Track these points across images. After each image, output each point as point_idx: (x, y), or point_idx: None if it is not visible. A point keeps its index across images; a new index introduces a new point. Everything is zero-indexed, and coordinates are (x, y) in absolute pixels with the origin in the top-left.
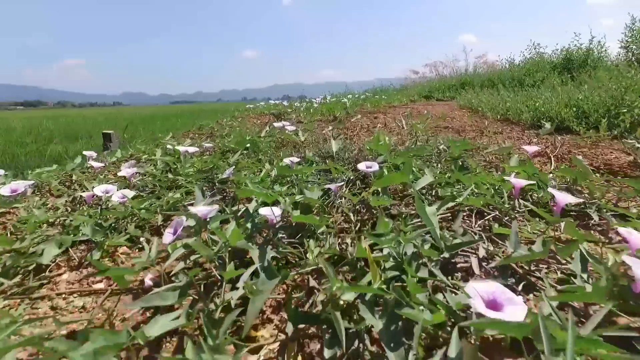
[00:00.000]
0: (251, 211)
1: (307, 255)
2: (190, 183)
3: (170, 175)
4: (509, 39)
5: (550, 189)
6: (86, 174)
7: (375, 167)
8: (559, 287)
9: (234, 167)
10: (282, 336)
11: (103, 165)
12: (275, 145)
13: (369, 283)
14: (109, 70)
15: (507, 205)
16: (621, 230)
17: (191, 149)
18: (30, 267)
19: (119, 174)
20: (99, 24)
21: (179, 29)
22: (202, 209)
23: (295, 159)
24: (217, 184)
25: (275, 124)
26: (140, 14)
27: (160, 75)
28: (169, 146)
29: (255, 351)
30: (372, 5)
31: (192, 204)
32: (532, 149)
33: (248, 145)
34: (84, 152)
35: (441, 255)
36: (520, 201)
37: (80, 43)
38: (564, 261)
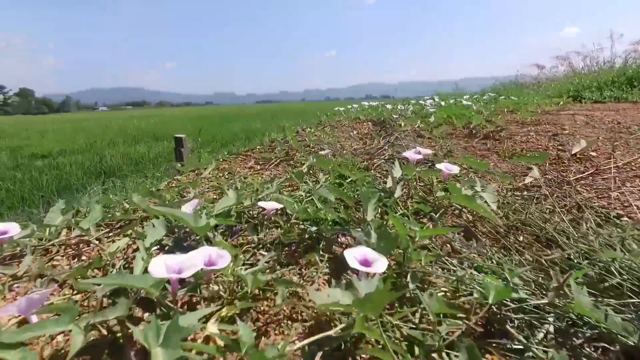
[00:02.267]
0: None
1: None
2: None
3: None
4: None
5: None
6: None
7: None
8: None
9: None
10: None
11: None
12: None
13: None
14: (201, 72)
15: None
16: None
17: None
18: None
19: None
20: (189, 27)
21: (264, 30)
22: None
23: None
24: None
25: (404, 153)
26: (227, 17)
27: (248, 75)
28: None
29: None
30: (456, 1)
31: None
32: None
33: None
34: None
35: None
36: None
37: (175, 47)
38: None
